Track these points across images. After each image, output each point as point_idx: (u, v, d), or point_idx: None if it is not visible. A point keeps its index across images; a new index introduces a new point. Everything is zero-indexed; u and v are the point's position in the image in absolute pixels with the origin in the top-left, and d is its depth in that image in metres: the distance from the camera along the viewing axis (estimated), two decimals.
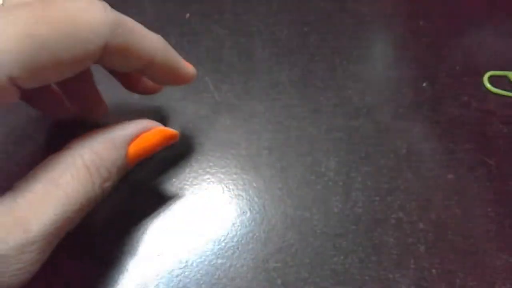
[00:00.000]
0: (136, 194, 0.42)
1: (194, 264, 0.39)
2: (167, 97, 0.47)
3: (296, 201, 0.42)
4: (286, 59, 0.50)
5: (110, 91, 0.45)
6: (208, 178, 0.43)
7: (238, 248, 0.39)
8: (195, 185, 0.43)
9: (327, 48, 0.51)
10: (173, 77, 0.36)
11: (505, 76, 0.50)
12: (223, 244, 0.40)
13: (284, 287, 0.37)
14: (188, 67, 0.37)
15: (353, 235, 0.40)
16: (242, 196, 0.42)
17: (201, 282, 0.38)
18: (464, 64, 0.51)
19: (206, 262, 0.39)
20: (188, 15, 0.53)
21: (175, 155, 0.44)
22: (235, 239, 0.40)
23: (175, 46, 0.35)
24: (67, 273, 0.38)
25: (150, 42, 0.32)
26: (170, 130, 0.35)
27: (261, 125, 0.46)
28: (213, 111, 0.47)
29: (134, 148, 0.32)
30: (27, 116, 0.46)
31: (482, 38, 0.53)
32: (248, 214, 0.41)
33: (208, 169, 0.43)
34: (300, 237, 0.40)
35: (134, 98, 0.46)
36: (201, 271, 0.38)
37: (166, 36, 0.32)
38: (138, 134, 0.33)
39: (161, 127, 0.35)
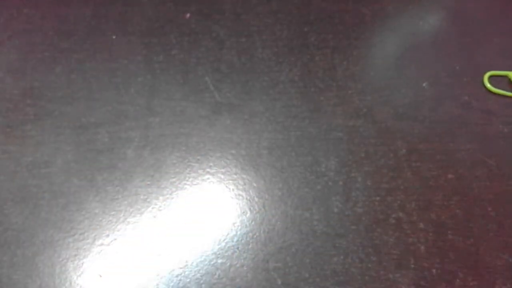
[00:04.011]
0: (136, 195, 0.42)
1: (194, 264, 0.39)
2: (167, 97, 0.47)
3: (296, 201, 0.42)
4: (286, 59, 0.50)
5: (108, 93, 0.46)
6: (208, 178, 0.43)
7: (238, 248, 0.39)
8: (195, 185, 0.43)
9: (327, 48, 0.51)
10: None
11: (505, 76, 0.50)
12: (223, 244, 0.40)
13: (284, 287, 0.37)
14: None
15: (353, 235, 0.40)
16: (242, 196, 0.42)
17: (201, 282, 0.38)
18: (464, 64, 0.51)
19: (206, 262, 0.39)
20: (188, 15, 0.53)
21: (176, 155, 0.44)
22: (235, 239, 0.40)
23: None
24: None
25: None
26: None
27: (261, 125, 0.46)
28: (213, 111, 0.47)
29: None
30: (26, 116, 0.46)
31: (482, 38, 0.53)
32: (248, 214, 0.41)
33: (208, 169, 0.43)
34: (300, 237, 0.40)
35: (132, 100, 0.46)
36: (201, 271, 0.38)
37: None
38: None
39: None
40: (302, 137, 0.45)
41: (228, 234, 0.40)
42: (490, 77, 0.50)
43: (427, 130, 0.46)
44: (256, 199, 0.42)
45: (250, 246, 0.39)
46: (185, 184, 0.42)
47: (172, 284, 0.37)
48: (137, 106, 0.47)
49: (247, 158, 0.44)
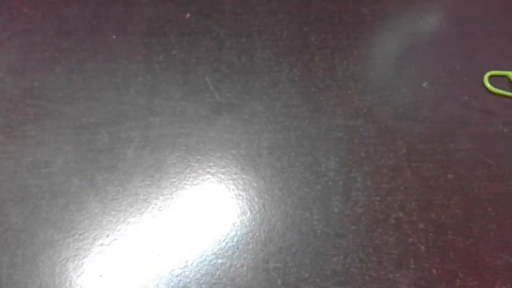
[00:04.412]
0: (136, 195, 0.42)
1: (194, 264, 0.39)
2: (167, 97, 0.47)
3: (296, 201, 0.42)
4: (286, 59, 0.50)
5: (108, 93, 0.46)
6: (208, 178, 0.43)
7: (238, 248, 0.39)
8: (195, 185, 0.43)
9: (327, 48, 0.51)
10: None
11: (505, 76, 0.50)
12: (223, 244, 0.40)
13: (284, 287, 0.37)
14: None
15: (353, 235, 0.40)
16: (242, 196, 0.42)
17: (201, 282, 0.38)
18: (464, 64, 0.51)
19: (206, 262, 0.39)
20: (188, 15, 0.53)
21: (176, 155, 0.44)
22: (235, 239, 0.40)
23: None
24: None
25: None
26: None
27: (261, 125, 0.46)
28: (213, 111, 0.47)
29: None
30: (26, 116, 0.46)
31: (482, 38, 0.53)
32: (248, 214, 0.41)
33: (208, 169, 0.43)
34: (300, 237, 0.40)
35: (132, 100, 0.46)
36: (201, 271, 0.38)
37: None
38: None
39: None
40: (302, 137, 0.45)
41: (228, 234, 0.40)
42: (490, 77, 0.50)
43: (427, 130, 0.46)
44: (256, 199, 0.42)
45: (250, 246, 0.39)
46: (185, 184, 0.42)
47: (172, 284, 0.37)
48: (137, 106, 0.47)
49: (247, 158, 0.44)
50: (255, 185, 0.42)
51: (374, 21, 0.54)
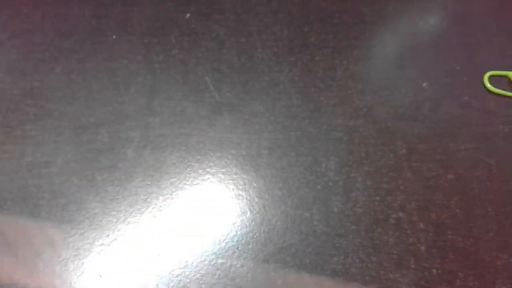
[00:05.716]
0: (136, 195, 0.42)
1: (194, 264, 0.39)
2: (167, 97, 0.47)
3: (296, 201, 0.42)
4: (286, 59, 0.50)
5: (108, 93, 0.46)
6: (208, 178, 0.43)
7: (238, 248, 0.39)
8: (195, 185, 0.43)
9: (327, 48, 0.51)
10: None
11: (505, 76, 0.50)
12: (223, 244, 0.40)
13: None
14: None
15: (353, 235, 0.40)
16: (242, 196, 0.42)
17: (201, 282, 0.38)
18: (464, 64, 0.51)
19: (206, 262, 0.39)
20: (188, 15, 0.53)
21: (176, 155, 0.44)
22: (235, 239, 0.40)
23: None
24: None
25: None
26: None
27: (261, 125, 0.46)
28: (213, 111, 0.47)
29: None
30: (26, 116, 0.46)
31: (482, 38, 0.53)
32: (248, 214, 0.41)
33: (208, 169, 0.43)
34: (300, 237, 0.40)
35: (132, 100, 0.46)
36: (201, 271, 0.38)
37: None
38: None
39: None
40: (302, 137, 0.45)
41: (228, 234, 0.40)
42: (490, 77, 0.50)
43: (427, 130, 0.46)
44: (256, 199, 0.42)
45: (250, 246, 0.39)
46: (185, 184, 0.42)
47: (172, 284, 0.37)
48: (137, 106, 0.47)
49: (247, 158, 0.44)
50: (255, 185, 0.42)
51: (374, 21, 0.54)
